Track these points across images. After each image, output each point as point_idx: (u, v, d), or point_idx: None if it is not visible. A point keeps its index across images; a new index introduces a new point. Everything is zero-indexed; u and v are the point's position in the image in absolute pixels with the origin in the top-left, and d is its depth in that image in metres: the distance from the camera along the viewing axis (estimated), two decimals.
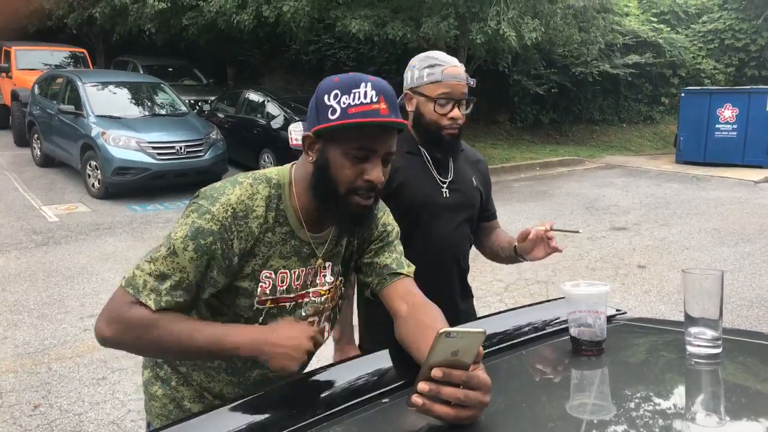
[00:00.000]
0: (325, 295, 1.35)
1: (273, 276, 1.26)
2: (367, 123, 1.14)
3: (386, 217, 1.42)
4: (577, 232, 1.89)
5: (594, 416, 1.02)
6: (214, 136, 9.27)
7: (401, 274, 1.34)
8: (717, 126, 12.84)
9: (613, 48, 15.29)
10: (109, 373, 3.76)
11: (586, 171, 12.29)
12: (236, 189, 1.22)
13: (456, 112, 1.77)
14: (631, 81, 16.40)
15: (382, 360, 1.23)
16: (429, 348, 1.12)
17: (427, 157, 1.88)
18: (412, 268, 1.38)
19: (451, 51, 11.90)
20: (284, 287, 1.28)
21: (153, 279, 1.17)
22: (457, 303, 1.95)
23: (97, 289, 5.20)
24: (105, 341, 1.19)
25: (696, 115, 12.94)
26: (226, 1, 11.09)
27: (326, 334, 1.39)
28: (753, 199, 9.59)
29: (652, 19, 17.31)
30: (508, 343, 1.31)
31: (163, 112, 9.84)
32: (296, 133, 9.66)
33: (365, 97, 1.14)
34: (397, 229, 1.43)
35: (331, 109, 1.16)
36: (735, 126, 12.68)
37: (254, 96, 11.06)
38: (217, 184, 1.25)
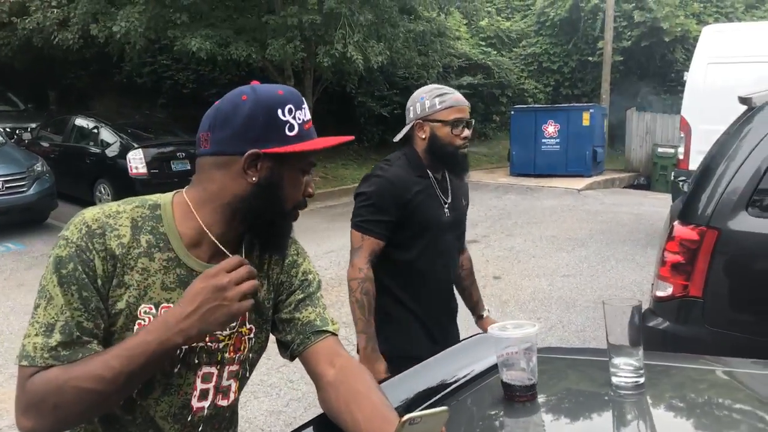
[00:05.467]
0: (224, 341, 1.15)
1: (154, 311, 1.07)
2: (313, 148, 1.12)
3: (307, 264, 1.27)
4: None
5: None
6: (39, 168, 8.28)
7: (327, 332, 1.20)
8: (543, 140, 14.11)
9: (449, 70, 16.23)
10: None
11: None
12: (95, 209, 1.08)
13: (467, 132, 2.05)
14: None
15: None
16: (366, 420, 1.02)
17: (433, 181, 2.12)
18: (337, 325, 1.24)
19: (298, 73, 11.87)
20: None
21: (41, 337, 1.00)
22: (452, 308, 2.30)
23: None
24: None
25: (525, 131, 14.12)
26: (45, 18, 10.02)
27: (232, 395, 1.20)
28: (579, 205, 10.63)
29: (481, 42, 18.69)
30: (437, 396, 1.23)
31: None
32: (136, 161, 8.97)
33: (307, 113, 1.14)
34: (318, 278, 1.28)
35: (288, 125, 1.09)
36: (558, 140, 14.02)
37: (84, 122, 10.09)
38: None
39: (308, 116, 1.13)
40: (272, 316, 1.23)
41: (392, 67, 11.54)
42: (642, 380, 1.21)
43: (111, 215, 1.07)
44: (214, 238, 1.11)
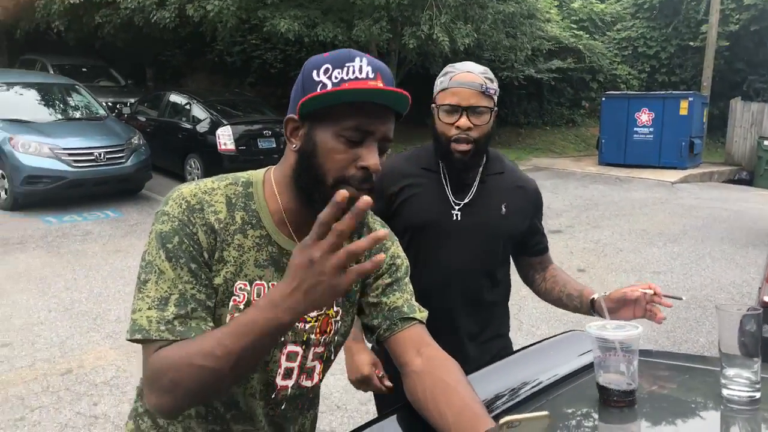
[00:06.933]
0: (311, 323, 1.13)
1: (248, 288, 1.07)
2: (364, 91, 0.97)
3: (396, 248, 1.22)
4: (681, 298, 1.61)
5: None
6: (136, 141, 8.73)
7: (414, 319, 1.15)
8: (635, 129, 13.44)
9: (537, 53, 15.72)
10: (27, 412, 3.35)
11: None
12: (191, 185, 1.07)
13: (463, 121, 1.61)
14: (554, 85, 16.92)
15: (390, 430, 1.04)
16: (454, 415, 0.97)
17: (445, 175, 1.72)
18: (425, 312, 1.19)
19: (383, 54, 11.84)
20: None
21: (155, 311, 0.99)
22: (462, 342, 1.72)
23: (9, 314, 4.69)
24: (170, 412, 1.00)
25: (616, 119, 13.49)
26: None
27: (316, 377, 1.18)
28: (673, 199, 10.06)
29: (572, 25, 17.95)
30: (527, 394, 1.16)
31: (78, 115, 9.16)
32: (225, 137, 9.28)
33: (361, 72, 0.99)
34: (407, 263, 1.23)
35: (320, 84, 1.00)
36: (651, 129, 13.31)
37: (178, 98, 10.53)
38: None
39: (354, 74, 0.99)
40: (359, 299, 1.21)
41: (479, 49, 11.29)
42: (758, 395, 1.09)
43: (207, 191, 1.07)
44: (284, 215, 1.09)
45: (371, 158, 1.00)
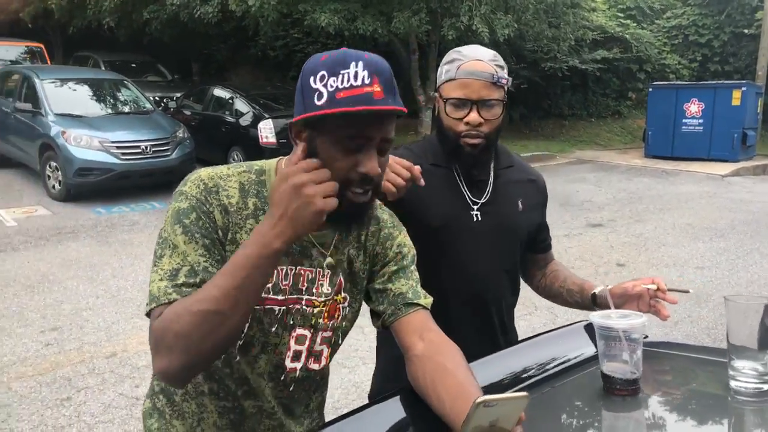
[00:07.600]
0: (319, 307, 1.18)
1: None
2: (356, 113, 0.99)
3: (402, 237, 1.26)
4: (687, 291, 1.55)
5: None
6: (181, 135, 8.98)
7: (418, 305, 1.18)
8: (684, 120, 13.02)
9: (581, 43, 15.38)
10: (74, 392, 3.52)
11: (558, 166, 12.30)
12: (208, 169, 1.13)
13: (473, 117, 1.46)
14: (599, 76, 16.52)
15: (391, 410, 1.07)
16: (450, 399, 0.99)
17: (458, 172, 1.57)
18: (430, 299, 1.22)
19: (423, 46, 11.80)
20: (270, 285, 1.12)
21: (167, 280, 1.03)
22: (497, 336, 1.65)
23: (60, 299, 4.92)
24: (179, 374, 1.00)
25: (663, 110, 13.09)
26: None
27: (323, 360, 1.22)
28: (722, 193, 9.73)
29: (619, 14, 17.47)
30: (532, 380, 1.18)
31: (126, 109, 9.49)
32: (266, 130, 9.44)
33: (356, 79, 1.00)
34: (413, 252, 1.27)
35: (317, 93, 1.01)
36: (701, 120, 12.87)
37: (222, 92, 10.77)
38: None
39: (348, 83, 0.99)
40: (366, 286, 1.24)
41: (520, 39, 11.13)
42: (766, 387, 1.08)
43: (222, 177, 1.13)
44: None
45: (369, 164, 1.03)
